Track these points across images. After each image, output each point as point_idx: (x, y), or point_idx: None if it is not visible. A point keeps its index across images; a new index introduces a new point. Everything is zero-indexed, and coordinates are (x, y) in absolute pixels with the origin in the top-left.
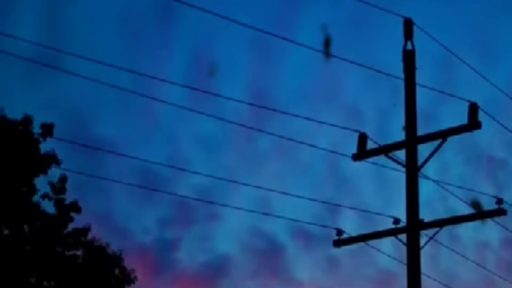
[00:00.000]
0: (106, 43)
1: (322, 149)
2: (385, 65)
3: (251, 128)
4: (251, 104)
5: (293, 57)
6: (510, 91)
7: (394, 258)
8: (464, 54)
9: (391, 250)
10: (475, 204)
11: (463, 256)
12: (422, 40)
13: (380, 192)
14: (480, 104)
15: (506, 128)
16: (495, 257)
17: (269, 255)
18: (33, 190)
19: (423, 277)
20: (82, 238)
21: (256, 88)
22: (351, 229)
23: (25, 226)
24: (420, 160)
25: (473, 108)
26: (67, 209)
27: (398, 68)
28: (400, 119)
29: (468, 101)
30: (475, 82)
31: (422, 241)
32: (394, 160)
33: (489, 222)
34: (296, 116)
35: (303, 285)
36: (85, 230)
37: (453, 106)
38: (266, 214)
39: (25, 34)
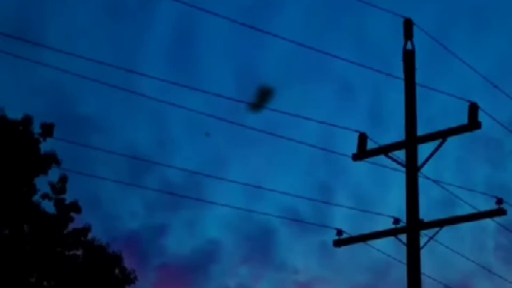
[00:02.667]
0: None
1: (322, 148)
2: (384, 64)
3: (252, 128)
4: (250, 105)
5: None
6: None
7: (394, 258)
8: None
9: (391, 248)
10: None
11: (463, 256)
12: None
13: (380, 192)
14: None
15: (506, 128)
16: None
17: (260, 240)
18: (33, 190)
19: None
20: (82, 238)
21: (244, 69)
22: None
23: (25, 226)
24: (420, 160)
25: (473, 108)
26: (67, 209)
27: (398, 68)
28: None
29: (468, 101)
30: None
31: (422, 241)
32: (394, 160)
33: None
34: (296, 116)
35: (296, 271)
36: (85, 230)
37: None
38: (266, 214)
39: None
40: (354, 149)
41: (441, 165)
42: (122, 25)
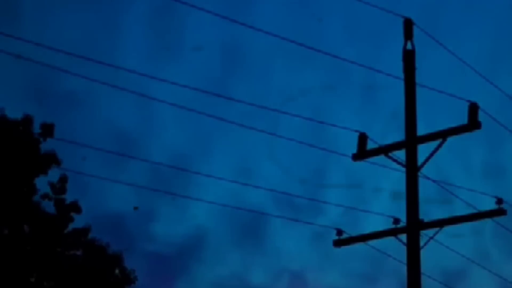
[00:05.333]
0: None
1: (321, 149)
2: (385, 64)
3: (252, 127)
4: (248, 103)
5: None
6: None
7: (394, 258)
8: None
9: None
10: None
11: (463, 256)
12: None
13: (380, 192)
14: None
15: (506, 128)
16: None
17: (251, 226)
18: (33, 190)
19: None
20: (82, 238)
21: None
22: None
23: (25, 226)
24: (420, 160)
25: (473, 108)
26: (67, 209)
27: (398, 68)
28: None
29: (468, 101)
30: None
31: (422, 241)
32: (394, 160)
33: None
34: (296, 116)
35: (289, 258)
36: (85, 230)
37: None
38: (264, 213)
39: None
40: (353, 149)
41: (441, 165)
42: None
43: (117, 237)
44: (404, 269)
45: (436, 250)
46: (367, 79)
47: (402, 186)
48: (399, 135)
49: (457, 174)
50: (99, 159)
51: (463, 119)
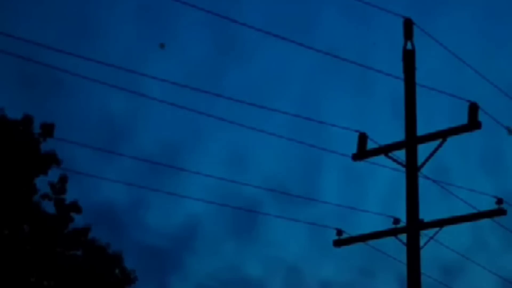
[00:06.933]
0: None
1: (322, 149)
2: (385, 64)
3: (252, 128)
4: (249, 103)
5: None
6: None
7: (394, 258)
8: None
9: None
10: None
11: (463, 255)
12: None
13: (380, 192)
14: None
15: (506, 128)
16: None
17: (245, 216)
18: (33, 190)
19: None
20: (82, 238)
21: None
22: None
23: (25, 226)
24: (420, 160)
25: (473, 108)
26: (67, 209)
27: (398, 68)
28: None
29: (468, 101)
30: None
31: (422, 241)
32: (394, 160)
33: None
34: (297, 116)
35: (285, 251)
36: (85, 230)
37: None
38: (265, 214)
39: None
40: (353, 149)
41: (441, 165)
42: None
43: (111, 229)
44: (404, 268)
45: (436, 250)
46: (367, 78)
47: (402, 186)
48: (399, 135)
49: (457, 174)
50: (93, 151)
51: (463, 119)
